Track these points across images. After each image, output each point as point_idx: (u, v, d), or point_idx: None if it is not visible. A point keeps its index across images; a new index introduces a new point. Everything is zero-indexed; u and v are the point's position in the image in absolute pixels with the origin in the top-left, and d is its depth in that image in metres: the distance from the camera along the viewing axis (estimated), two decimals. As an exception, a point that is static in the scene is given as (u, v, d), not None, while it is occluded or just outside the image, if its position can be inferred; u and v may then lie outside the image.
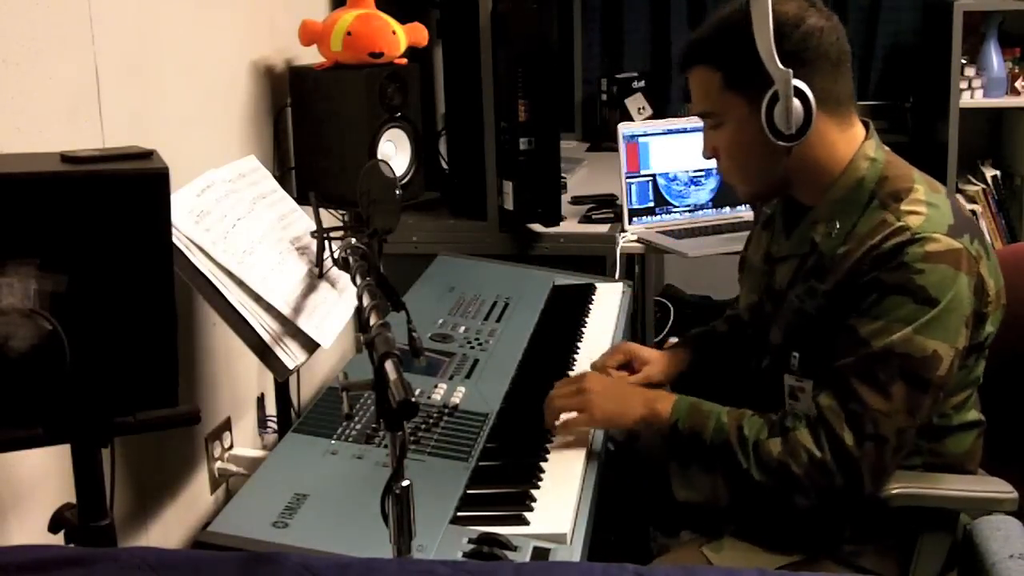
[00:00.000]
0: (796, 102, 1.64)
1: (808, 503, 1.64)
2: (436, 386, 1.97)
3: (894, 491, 1.66)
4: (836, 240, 1.69)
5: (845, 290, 1.65)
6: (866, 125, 1.77)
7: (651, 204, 3.00)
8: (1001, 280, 1.73)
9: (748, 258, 1.95)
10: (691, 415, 1.73)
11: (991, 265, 1.68)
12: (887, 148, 1.76)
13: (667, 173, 3.02)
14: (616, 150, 3.00)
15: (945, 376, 1.62)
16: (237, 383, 2.47)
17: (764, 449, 1.65)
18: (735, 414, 1.71)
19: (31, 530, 1.67)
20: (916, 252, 1.59)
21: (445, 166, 3.26)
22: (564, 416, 1.79)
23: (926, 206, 1.64)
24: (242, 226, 1.98)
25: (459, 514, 1.56)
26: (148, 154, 1.36)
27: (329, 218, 2.36)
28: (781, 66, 1.63)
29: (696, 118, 1.85)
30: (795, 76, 1.64)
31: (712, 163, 1.82)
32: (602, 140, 4.17)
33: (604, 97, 4.22)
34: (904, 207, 1.64)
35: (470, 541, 1.47)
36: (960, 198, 3.94)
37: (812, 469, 1.62)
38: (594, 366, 2.04)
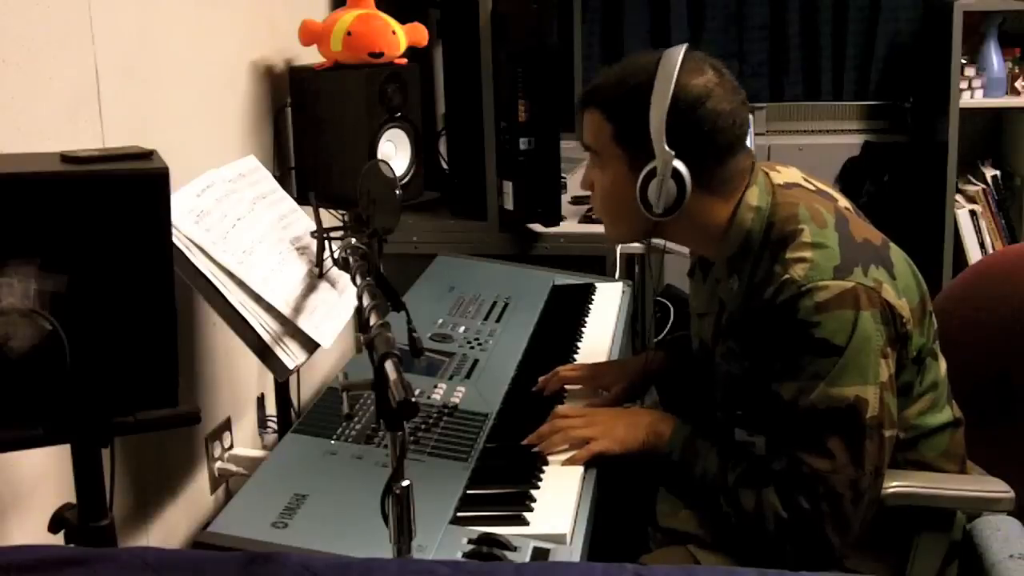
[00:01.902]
0: (672, 183, 1.65)
1: (783, 554, 1.63)
2: (436, 386, 1.97)
3: (890, 490, 1.66)
4: (738, 295, 1.69)
5: (756, 352, 1.66)
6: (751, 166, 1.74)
7: (651, 204, 3.00)
8: (919, 288, 1.70)
9: (692, 308, 1.94)
10: (685, 448, 1.73)
11: (898, 284, 1.65)
12: (779, 182, 1.72)
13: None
14: (616, 150, 2.99)
15: (878, 415, 1.59)
16: (237, 383, 2.47)
17: (742, 499, 1.65)
18: (725, 457, 1.71)
19: (31, 530, 1.67)
20: (807, 305, 1.57)
21: (445, 166, 3.26)
22: (572, 454, 1.77)
23: (811, 249, 1.61)
24: (242, 226, 1.99)
25: (459, 514, 1.56)
26: (148, 154, 1.36)
27: (329, 218, 2.36)
28: (667, 147, 1.63)
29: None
30: (680, 156, 1.64)
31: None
32: (602, 140, 4.16)
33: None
34: (790, 254, 1.62)
35: (470, 541, 1.47)
36: (960, 198, 3.94)
37: (780, 529, 1.62)
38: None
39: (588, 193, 1.85)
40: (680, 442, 1.74)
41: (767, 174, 1.74)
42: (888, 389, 1.61)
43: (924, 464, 1.74)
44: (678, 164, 1.64)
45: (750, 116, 1.74)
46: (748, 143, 1.75)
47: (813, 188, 1.76)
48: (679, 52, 1.67)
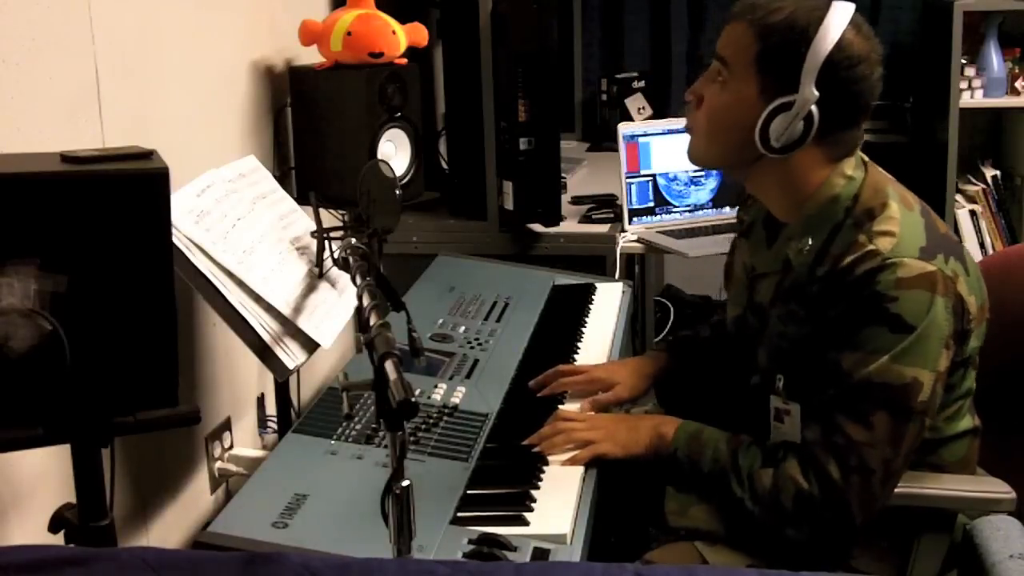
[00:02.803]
0: (800, 124, 1.63)
1: (799, 536, 1.63)
2: (436, 386, 1.97)
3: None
4: (808, 257, 1.68)
5: (822, 318, 1.64)
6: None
7: (651, 204, 3.00)
8: (984, 293, 1.71)
9: (732, 268, 1.94)
10: (690, 443, 1.73)
11: (971, 281, 1.66)
12: (870, 163, 1.73)
13: (667, 173, 3.02)
14: (616, 150, 3.00)
15: (927, 401, 1.60)
16: (237, 383, 2.47)
17: (757, 479, 1.65)
18: (733, 442, 1.71)
19: (31, 530, 1.67)
20: (888, 279, 1.57)
21: (445, 166, 3.26)
22: (574, 451, 1.77)
23: (898, 226, 1.62)
24: (242, 226, 1.98)
25: (459, 514, 1.56)
26: (148, 154, 1.36)
27: (329, 218, 2.36)
28: (814, 88, 1.61)
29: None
30: (817, 104, 1.61)
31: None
32: (602, 140, 4.17)
33: (604, 97, 4.22)
34: (876, 227, 1.62)
35: (470, 541, 1.47)
36: (960, 198, 3.94)
37: (800, 502, 1.61)
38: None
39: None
40: (685, 438, 1.74)
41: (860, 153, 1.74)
42: (941, 380, 1.62)
43: (940, 469, 1.74)
44: (815, 108, 1.62)
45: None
46: None
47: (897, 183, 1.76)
48: (851, 8, 1.65)
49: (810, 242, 1.68)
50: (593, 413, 1.91)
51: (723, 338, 2.05)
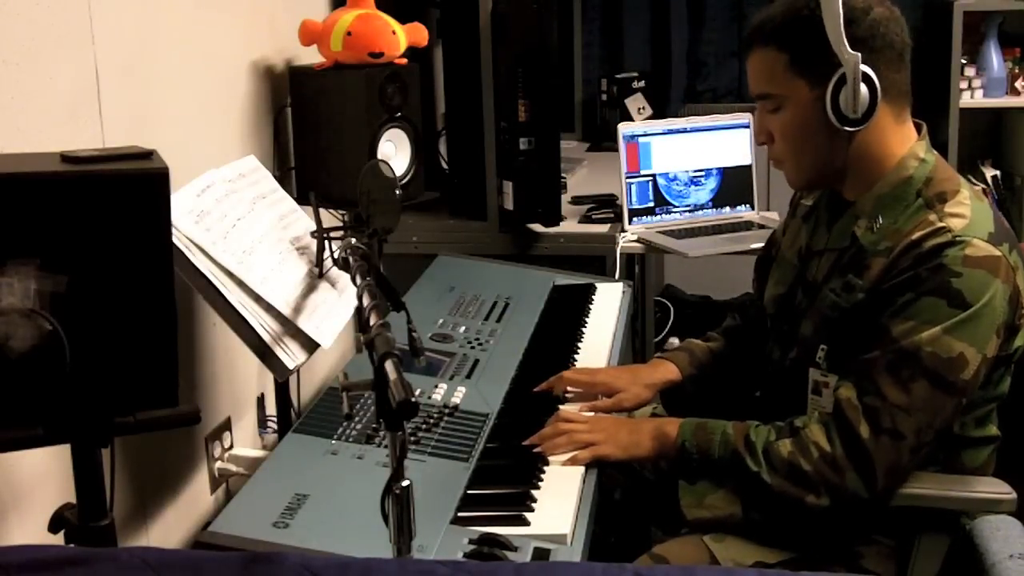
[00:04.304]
0: (862, 86, 1.65)
1: (822, 503, 1.63)
2: (436, 386, 1.97)
3: (891, 491, 1.66)
4: (877, 235, 1.70)
5: (881, 286, 1.65)
6: (919, 127, 1.77)
7: (651, 204, 3.00)
8: None
9: (781, 251, 1.95)
10: (696, 433, 1.74)
11: None
12: (937, 153, 1.76)
13: (667, 173, 3.02)
14: (616, 150, 3.00)
15: (970, 381, 1.61)
16: (237, 383, 2.47)
17: (774, 451, 1.66)
18: (740, 426, 1.72)
19: (31, 530, 1.67)
20: (955, 255, 1.60)
21: (445, 166, 3.26)
22: (574, 454, 1.77)
23: (969, 210, 1.65)
24: (242, 226, 1.98)
25: (459, 514, 1.56)
26: (148, 154, 1.36)
27: (329, 218, 2.36)
28: (850, 49, 1.63)
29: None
30: (863, 61, 1.64)
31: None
32: (602, 140, 4.17)
33: (604, 97, 4.22)
34: (948, 209, 1.65)
35: (470, 541, 1.47)
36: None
37: (823, 465, 1.62)
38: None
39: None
40: (691, 429, 1.74)
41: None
42: (986, 364, 1.63)
43: (958, 471, 1.74)
44: (864, 67, 1.65)
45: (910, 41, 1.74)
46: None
47: None
48: None
49: (881, 221, 1.70)
50: (595, 414, 1.91)
51: (736, 347, 2.05)
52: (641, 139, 2.99)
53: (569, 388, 1.99)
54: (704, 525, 1.74)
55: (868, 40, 1.66)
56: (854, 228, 1.73)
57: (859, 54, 1.64)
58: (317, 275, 2.04)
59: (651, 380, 2.03)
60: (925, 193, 1.68)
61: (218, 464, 2.34)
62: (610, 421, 1.85)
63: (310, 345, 1.96)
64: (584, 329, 2.36)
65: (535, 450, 1.76)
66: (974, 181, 4.00)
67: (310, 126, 2.64)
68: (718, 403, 1.97)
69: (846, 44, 1.63)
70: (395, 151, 2.64)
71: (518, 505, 1.59)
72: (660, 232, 2.95)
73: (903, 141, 1.73)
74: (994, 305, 1.60)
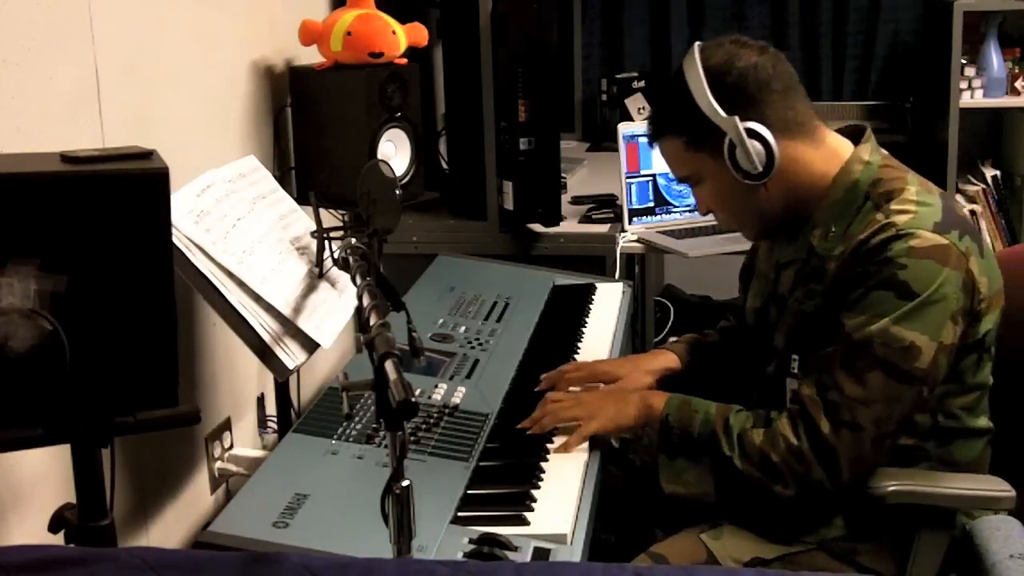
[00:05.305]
0: (753, 142, 1.70)
1: (788, 492, 1.66)
2: (436, 386, 1.97)
3: (891, 488, 1.66)
4: (832, 242, 1.73)
5: (837, 288, 1.69)
6: (861, 130, 1.80)
7: (651, 204, 3.00)
8: (999, 279, 1.74)
9: (758, 265, 1.98)
10: (680, 409, 1.77)
11: (984, 263, 1.69)
12: (885, 152, 1.79)
13: (667, 173, 2.98)
14: (616, 150, 3.00)
15: (927, 369, 1.63)
16: (237, 383, 2.47)
17: (747, 439, 1.69)
18: (723, 408, 1.75)
19: (31, 530, 1.67)
20: (900, 247, 1.62)
21: (445, 166, 3.26)
22: (566, 437, 1.79)
23: (916, 204, 1.67)
24: (242, 226, 1.98)
25: (459, 514, 1.56)
26: (148, 154, 1.36)
27: (329, 218, 2.36)
28: (724, 115, 1.69)
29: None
30: (745, 117, 1.69)
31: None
32: (602, 140, 4.17)
33: (604, 97, 4.22)
34: (894, 206, 1.67)
35: (470, 541, 1.47)
36: (960, 198, 3.94)
37: (790, 457, 1.65)
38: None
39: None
40: (676, 405, 1.78)
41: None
42: (945, 352, 1.64)
43: (952, 465, 1.75)
44: (746, 124, 1.70)
45: (789, 66, 1.77)
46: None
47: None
48: (695, 45, 1.76)
49: (834, 229, 1.73)
50: (580, 390, 1.94)
51: (730, 342, 2.08)
52: (641, 139, 2.98)
53: (568, 380, 2.01)
54: (680, 500, 1.78)
55: (742, 95, 1.71)
56: (810, 239, 1.76)
57: (735, 117, 1.69)
58: (317, 275, 2.04)
59: (651, 367, 2.06)
60: (873, 194, 1.71)
61: (218, 464, 2.34)
62: (596, 395, 1.89)
63: (310, 345, 1.96)
64: (584, 329, 2.36)
65: (528, 432, 1.80)
66: (974, 181, 4.00)
67: (310, 126, 2.64)
68: (715, 394, 1.98)
69: (719, 111, 1.70)
70: (395, 151, 2.64)
71: (518, 505, 1.59)
72: (660, 232, 2.95)
73: (831, 158, 1.76)
74: (945, 292, 1.62)
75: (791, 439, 1.65)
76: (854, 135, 1.81)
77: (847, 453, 1.63)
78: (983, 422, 1.78)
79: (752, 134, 1.70)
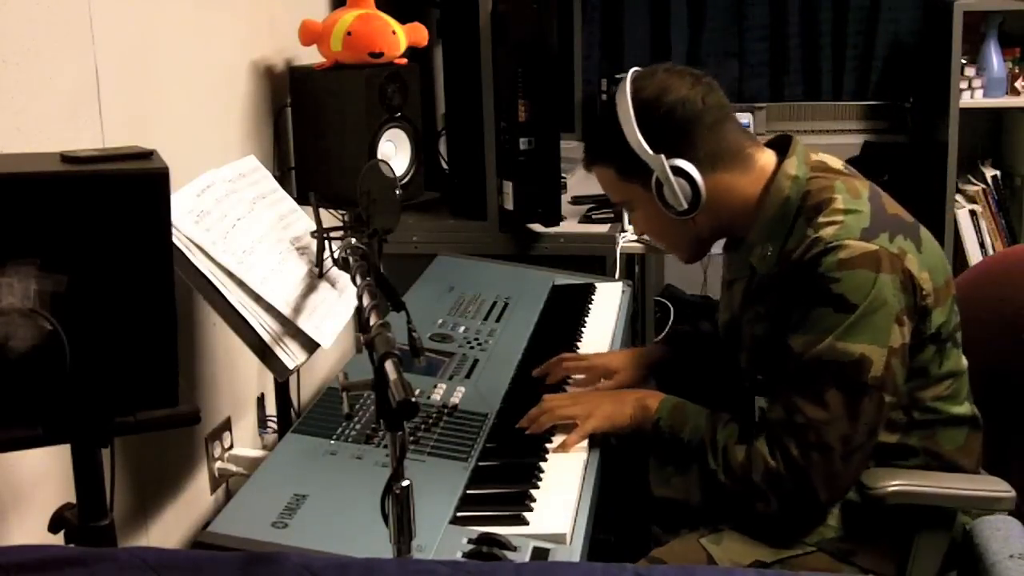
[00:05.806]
0: (680, 180, 1.71)
1: (770, 509, 1.67)
2: (436, 386, 1.97)
3: (891, 489, 1.66)
4: (771, 261, 1.73)
5: (779, 309, 1.70)
6: (787, 140, 1.79)
7: (651, 204, 2.99)
8: (945, 271, 1.73)
9: (723, 278, 1.98)
10: (673, 414, 1.78)
11: (924, 258, 1.69)
12: (817, 158, 1.78)
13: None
14: (616, 150, 2.99)
15: (881, 377, 1.63)
16: (237, 383, 2.47)
17: (731, 454, 1.70)
18: (713, 417, 1.75)
19: (31, 530, 1.67)
20: (830, 261, 1.62)
21: (445, 166, 3.25)
22: (564, 438, 1.80)
23: (843, 214, 1.66)
24: (242, 226, 1.98)
25: (459, 514, 1.56)
26: (148, 154, 1.36)
27: (329, 218, 2.36)
28: (652, 153, 1.70)
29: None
30: (672, 153, 1.70)
31: None
32: (602, 140, 4.16)
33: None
34: (822, 219, 1.67)
35: (470, 541, 1.47)
36: (960, 198, 3.94)
37: (768, 478, 1.66)
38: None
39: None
40: (668, 409, 1.79)
41: (807, 150, 1.79)
42: (897, 355, 1.64)
43: (940, 457, 1.75)
44: (672, 162, 1.71)
45: (722, 95, 1.78)
46: (741, 120, 1.82)
47: (848, 171, 1.80)
48: (629, 72, 1.77)
49: (770, 248, 1.73)
50: (578, 390, 1.96)
51: (712, 344, 2.08)
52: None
53: (567, 367, 2.04)
54: (667, 503, 1.81)
55: (669, 131, 1.71)
56: (750, 258, 1.77)
57: (662, 155, 1.70)
58: (317, 275, 2.04)
59: (646, 360, 2.08)
60: (804, 208, 1.71)
61: (218, 464, 2.34)
62: (593, 395, 1.91)
63: (310, 345, 1.96)
64: (584, 329, 2.36)
65: (526, 432, 1.80)
66: (974, 181, 4.00)
67: (310, 126, 2.64)
68: (711, 385, 2.00)
69: (647, 149, 1.70)
70: (395, 151, 2.64)
71: (517, 505, 1.59)
72: (660, 232, 2.94)
73: (759, 178, 1.76)
74: (884, 298, 1.62)
75: (768, 461, 1.66)
76: (781, 147, 1.80)
77: (819, 474, 1.64)
78: (963, 409, 1.77)
79: (678, 171, 1.71)
